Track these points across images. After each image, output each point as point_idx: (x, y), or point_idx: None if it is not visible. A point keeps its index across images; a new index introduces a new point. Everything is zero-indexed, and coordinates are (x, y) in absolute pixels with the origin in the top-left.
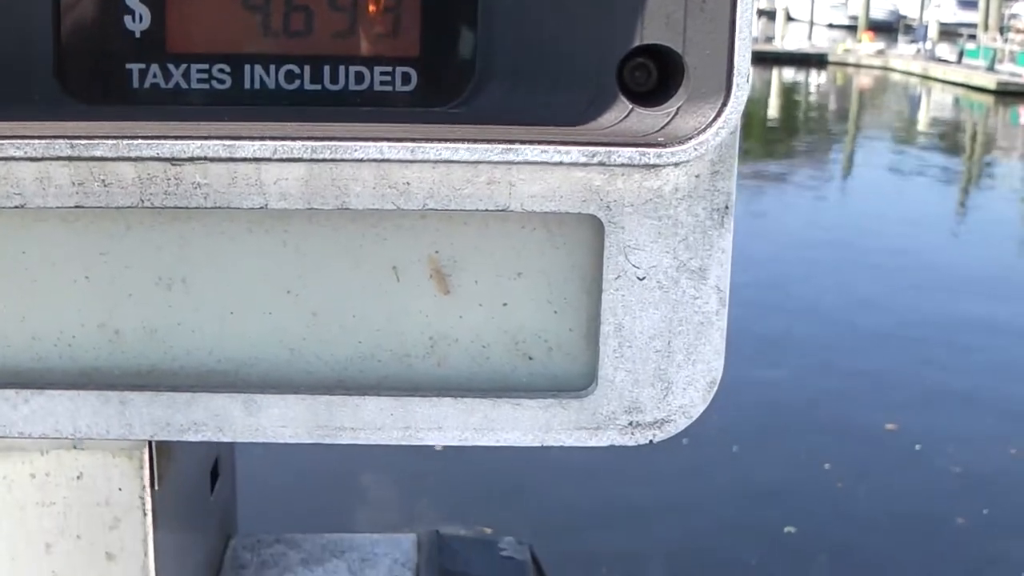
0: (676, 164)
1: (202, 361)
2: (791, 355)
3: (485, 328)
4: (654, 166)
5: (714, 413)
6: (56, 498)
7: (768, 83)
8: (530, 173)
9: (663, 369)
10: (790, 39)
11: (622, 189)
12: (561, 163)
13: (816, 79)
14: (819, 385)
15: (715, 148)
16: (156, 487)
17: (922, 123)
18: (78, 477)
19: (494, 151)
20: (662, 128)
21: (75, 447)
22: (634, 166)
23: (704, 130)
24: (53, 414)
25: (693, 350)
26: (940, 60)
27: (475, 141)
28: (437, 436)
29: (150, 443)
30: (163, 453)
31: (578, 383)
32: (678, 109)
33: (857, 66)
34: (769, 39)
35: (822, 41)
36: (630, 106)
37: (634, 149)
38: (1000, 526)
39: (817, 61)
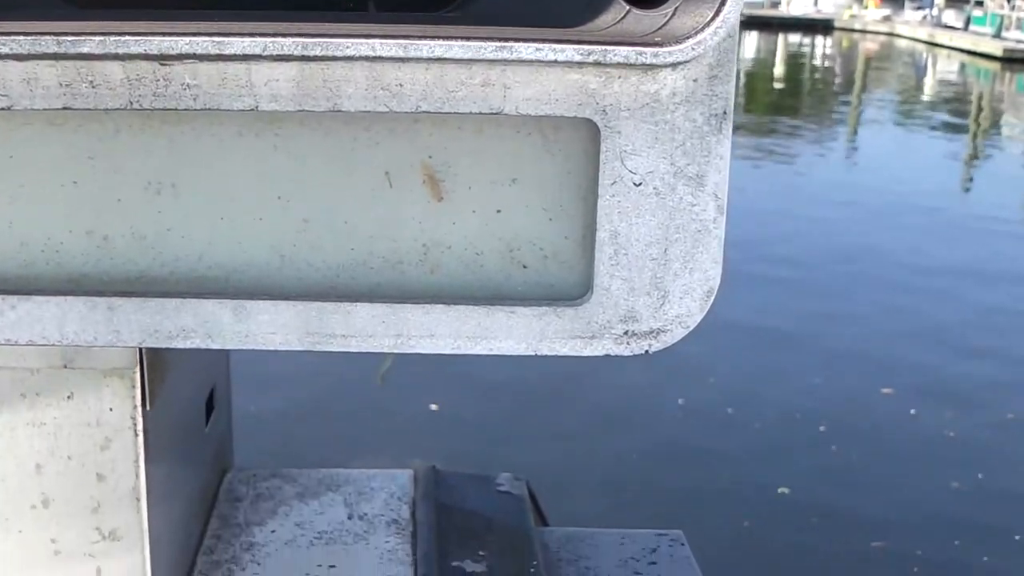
0: (673, 66)
1: (192, 267)
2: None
3: (479, 235)
4: (651, 67)
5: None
6: (47, 418)
7: (774, 48)
8: (525, 75)
9: (659, 277)
10: (796, 4)
11: (618, 93)
12: (556, 62)
13: (822, 45)
14: None
15: (713, 49)
16: (148, 408)
17: (928, 89)
18: (69, 397)
19: (488, 48)
20: (659, 28)
21: (66, 366)
22: (630, 66)
23: (702, 29)
24: (40, 320)
25: (690, 258)
26: (946, 27)
27: (469, 39)
28: (429, 344)
29: (141, 363)
30: (155, 374)
31: (573, 292)
32: (675, 9)
33: (863, 32)
34: (775, 4)
35: (828, 7)
36: (627, 7)
37: (630, 48)
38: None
39: (823, 27)
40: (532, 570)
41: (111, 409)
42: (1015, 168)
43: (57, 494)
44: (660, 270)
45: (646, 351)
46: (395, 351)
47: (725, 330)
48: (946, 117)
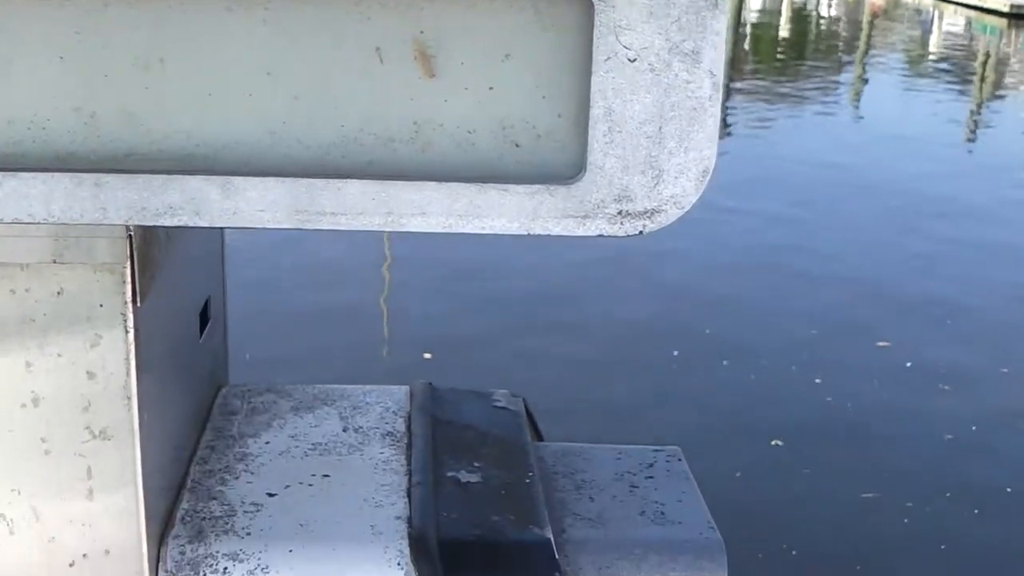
0: None
1: (180, 145)
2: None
3: (471, 113)
4: None
5: None
6: (36, 315)
7: (779, 5)
8: None
9: (654, 156)
10: None
11: None
12: None
13: (827, 1)
14: None
15: None
16: (138, 303)
17: (934, 44)
18: (59, 293)
19: None
20: None
21: (55, 261)
22: None
23: None
24: (26, 197)
25: (685, 137)
26: None
27: None
28: (420, 222)
29: (131, 258)
30: (145, 271)
31: (567, 171)
32: None
33: None
34: None
35: None
36: None
37: None
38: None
39: None
40: (528, 481)
41: (101, 305)
42: (1018, 121)
43: (47, 392)
44: (655, 148)
45: (640, 231)
46: (386, 228)
47: (720, 272)
48: (951, 71)
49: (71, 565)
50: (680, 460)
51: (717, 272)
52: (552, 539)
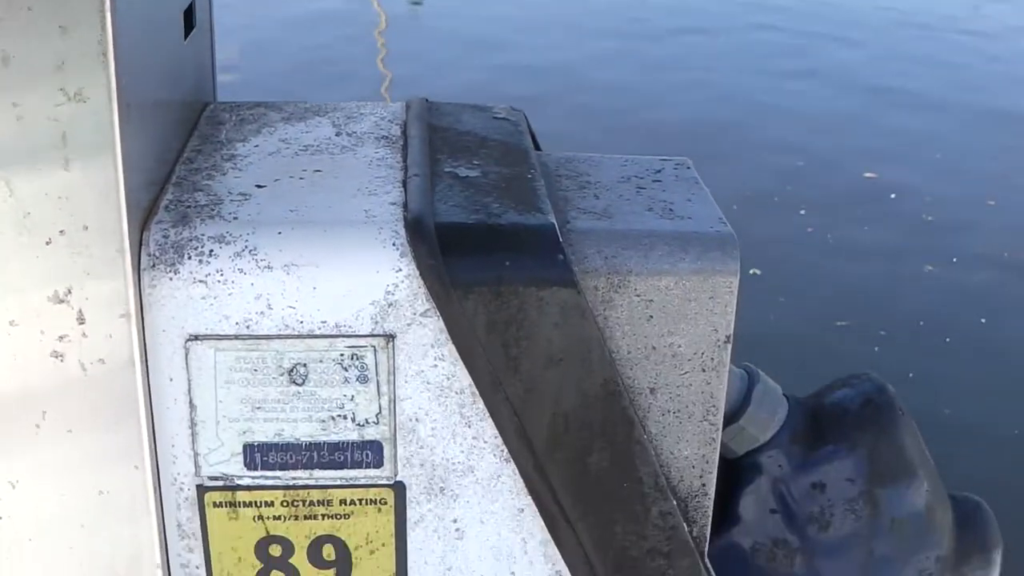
0: None
1: None
2: None
3: None
4: None
5: None
6: None
7: None
8: None
9: None
10: None
11: None
12: None
13: None
14: None
15: None
16: None
17: None
18: None
19: None
20: None
21: None
22: None
23: None
24: None
25: None
26: None
27: None
28: None
29: None
30: None
31: None
32: None
33: None
34: None
35: None
36: None
37: None
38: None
39: None
40: (529, 176)
41: None
42: None
43: (18, 51)
44: None
45: None
46: None
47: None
48: None
49: (48, 243)
50: (689, 168)
51: None
52: (555, 224)
